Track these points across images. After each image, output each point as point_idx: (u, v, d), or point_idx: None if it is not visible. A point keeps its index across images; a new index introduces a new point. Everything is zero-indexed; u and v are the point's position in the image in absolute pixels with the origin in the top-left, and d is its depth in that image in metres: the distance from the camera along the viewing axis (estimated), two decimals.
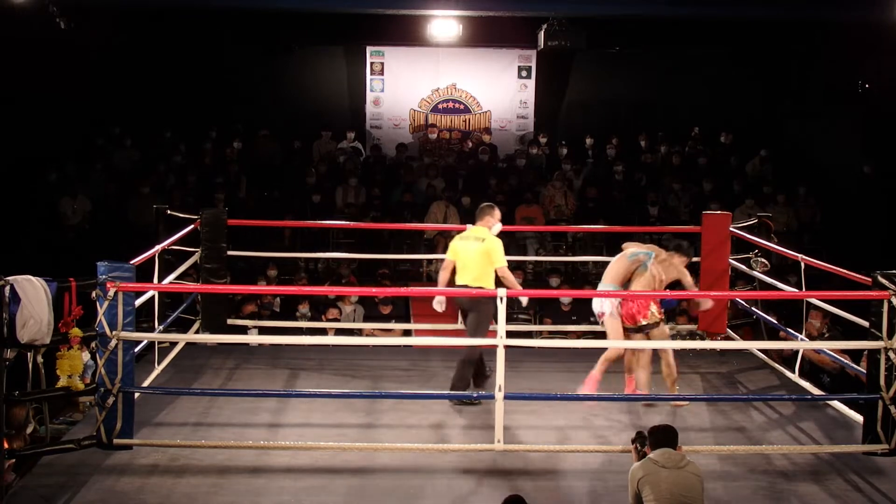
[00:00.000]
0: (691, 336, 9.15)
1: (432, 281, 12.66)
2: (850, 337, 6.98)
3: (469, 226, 7.48)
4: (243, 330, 8.97)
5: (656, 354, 7.20)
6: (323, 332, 9.44)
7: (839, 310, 7.11)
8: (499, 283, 7.10)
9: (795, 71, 15.63)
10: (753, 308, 8.41)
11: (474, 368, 7.13)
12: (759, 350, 8.13)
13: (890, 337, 5.88)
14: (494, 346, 5.97)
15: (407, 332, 9.57)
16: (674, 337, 9.47)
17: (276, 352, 8.56)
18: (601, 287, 7.23)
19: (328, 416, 6.77)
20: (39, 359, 5.64)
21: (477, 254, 7.08)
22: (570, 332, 9.68)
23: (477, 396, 6.87)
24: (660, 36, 15.01)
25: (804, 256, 7.46)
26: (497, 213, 7.31)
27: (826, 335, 8.18)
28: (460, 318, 8.26)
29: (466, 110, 15.92)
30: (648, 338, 7.03)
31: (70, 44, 13.02)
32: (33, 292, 5.46)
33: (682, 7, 13.17)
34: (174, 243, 7.94)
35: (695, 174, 14.32)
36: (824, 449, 6.27)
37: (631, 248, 7.24)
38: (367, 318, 10.23)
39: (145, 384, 6.92)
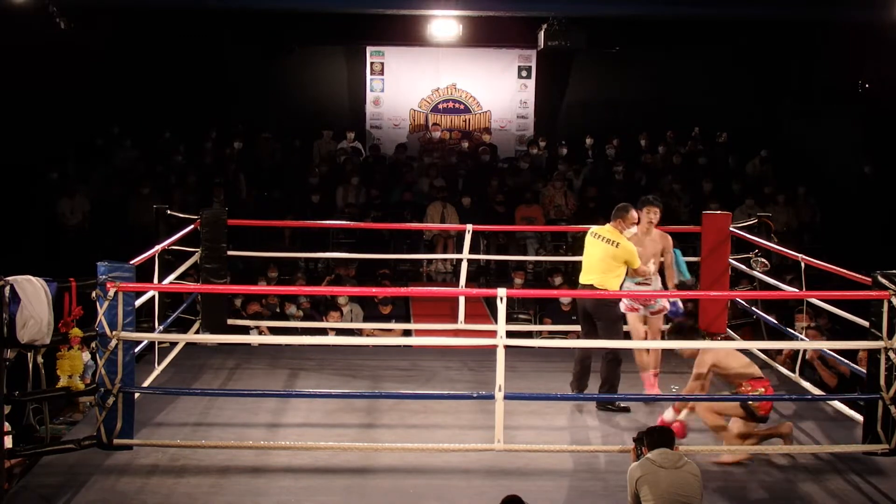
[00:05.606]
0: None
1: (432, 281, 12.70)
2: (850, 337, 6.97)
3: (592, 226, 7.29)
4: (244, 330, 8.98)
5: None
6: (323, 332, 9.44)
7: (839, 310, 7.11)
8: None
9: (795, 71, 15.65)
10: (753, 308, 8.41)
11: (619, 368, 7.01)
12: (759, 350, 8.12)
13: (890, 337, 5.88)
14: (494, 347, 5.97)
15: (407, 332, 9.56)
16: None
17: (276, 352, 8.55)
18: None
19: (328, 416, 6.76)
20: (39, 359, 5.63)
21: (605, 256, 6.93)
22: (570, 332, 9.68)
23: (476, 396, 6.87)
24: (660, 36, 15.02)
25: (804, 256, 7.46)
26: (632, 217, 6.98)
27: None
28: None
29: (466, 110, 15.93)
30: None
31: (70, 44, 13.02)
32: (33, 292, 5.46)
33: (682, 7, 13.18)
34: (174, 243, 7.94)
35: (695, 174, 14.32)
36: (824, 449, 6.26)
37: None
38: (367, 318, 10.23)
39: (145, 384, 6.92)
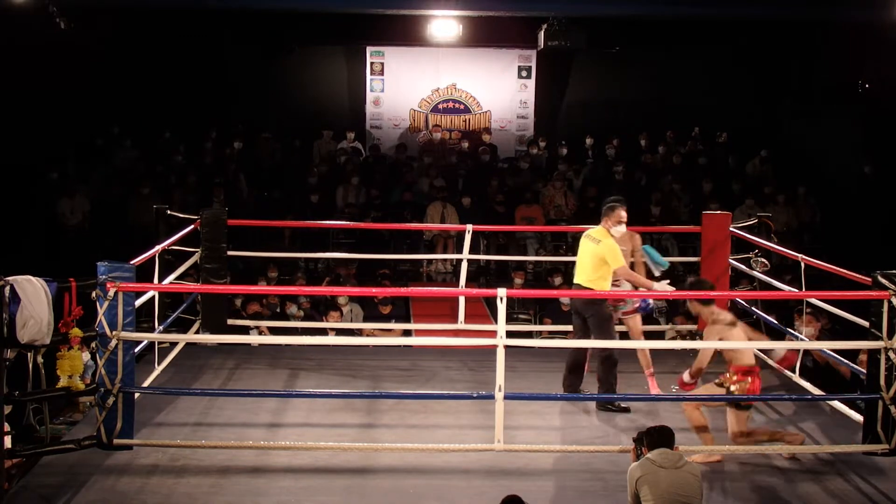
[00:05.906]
0: (691, 336, 9.14)
1: (432, 281, 12.69)
2: (850, 337, 6.97)
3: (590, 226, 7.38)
4: (244, 330, 8.98)
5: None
6: (323, 332, 9.44)
7: (839, 310, 7.11)
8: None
9: (795, 71, 15.65)
10: (753, 308, 8.41)
11: (615, 369, 7.06)
12: (758, 350, 8.11)
13: (890, 337, 5.88)
14: (494, 347, 5.97)
15: (407, 332, 9.56)
16: (673, 338, 9.49)
17: (276, 352, 8.55)
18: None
19: (328, 416, 6.77)
20: (39, 359, 5.63)
21: (591, 255, 7.00)
22: (570, 332, 9.65)
23: (476, 396, 6.86)
24: (660, 36, 15.02)
25: (804, 256, 7.46)
26: (617, 215, 7.05)
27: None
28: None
29: (466, 110, 15.92)
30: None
31: (70, 44, 13.02)
32: (33, 292, 5.46)
33: (682, 7, 13.18)
34: (174, 243, 7.94)
35: (695, 174, 14.32)
36: (824, 449, 6.27)
37: None
38: (366, 318, 10.23)
39: (145, 384, 6.91)
